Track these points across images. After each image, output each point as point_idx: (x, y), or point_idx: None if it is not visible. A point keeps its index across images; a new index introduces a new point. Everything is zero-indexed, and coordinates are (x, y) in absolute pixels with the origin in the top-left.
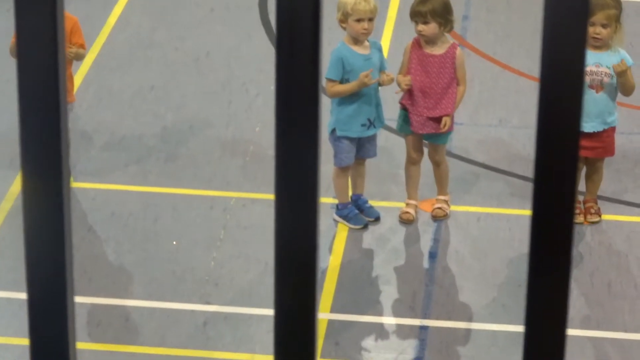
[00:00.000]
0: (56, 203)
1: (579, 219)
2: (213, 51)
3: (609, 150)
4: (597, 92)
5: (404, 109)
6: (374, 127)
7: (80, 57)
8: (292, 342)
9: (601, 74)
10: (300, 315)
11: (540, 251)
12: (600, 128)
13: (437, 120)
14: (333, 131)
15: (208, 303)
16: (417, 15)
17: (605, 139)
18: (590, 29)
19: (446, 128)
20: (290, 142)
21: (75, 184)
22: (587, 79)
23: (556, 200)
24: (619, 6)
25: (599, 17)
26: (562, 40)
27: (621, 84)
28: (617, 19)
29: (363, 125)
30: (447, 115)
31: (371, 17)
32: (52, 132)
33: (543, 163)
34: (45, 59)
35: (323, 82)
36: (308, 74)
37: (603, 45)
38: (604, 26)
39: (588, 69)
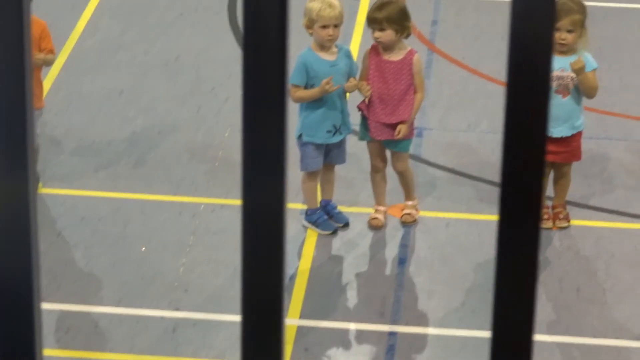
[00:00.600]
0: (22, 208)
1: (548, 224)
2: (182, 55)
3: (576, 154)
4: (563, 96)
5: (363, 115)
6: (340, 133)
7: (49, 63)
8: (260, 348)
9: (567, 78)
10: (268, 321)
11: (506, 256)
12: (568, 133)
13: (395, 126)
14: (300, 136)
15: (177, 309)
16: (373, 22)
17: (572, 143)
18: (556, 35)
19: (400, 135)
20: (257, 146)
21: (44, 189)
22: (554, 84)
23: (523, 205)
24: (583, 11)
25: (564, 22)
26: (528, 44)
27: (580, 82)
28: (581, 24)
29: (329, 131)
30: (403, 122)
31: (337, 24)
32: (18, 137)
33: (510, 168)
34: (12, 64)
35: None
36: (275, 78)
37: (569, 50)
38: (569, 31)
39: (554, 73)
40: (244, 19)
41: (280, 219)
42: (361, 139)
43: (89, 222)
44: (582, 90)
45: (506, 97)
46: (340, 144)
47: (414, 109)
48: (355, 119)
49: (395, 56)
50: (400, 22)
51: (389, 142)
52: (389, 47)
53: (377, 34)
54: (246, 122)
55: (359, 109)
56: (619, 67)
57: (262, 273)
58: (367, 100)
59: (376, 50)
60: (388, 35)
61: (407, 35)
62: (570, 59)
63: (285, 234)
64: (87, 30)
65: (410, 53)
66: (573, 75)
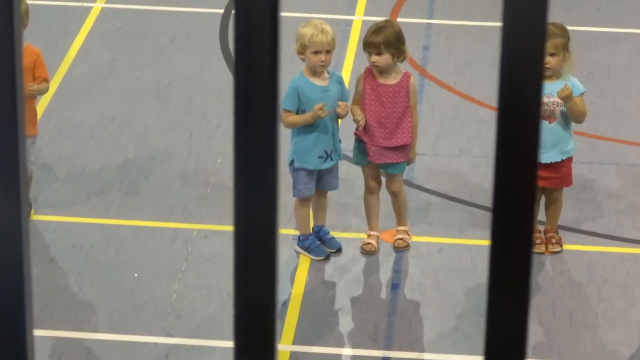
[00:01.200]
0: (15, 235)
1: (541, 248)
2: (174, 81)
3: (566, 180)
4: (550, 122)
5: (359, 139)
6: (331, 159)
7: (43, 92)
8: None
9: (552, 104)
10: (261, 347)
11: (498, 281)
12: (558, 158)
13: (394, 149)
14: (292, 162)
15: (170, 335)
16: (370, 46)
17: (561, 169)
18: None
19: (412, 159)
20: (248, 171)
21: (36, 217)
22: None
23: (514, 230)
24: (565, 34)
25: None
26: (519, 70)
27: (568, 109)
28: (564, 48)
29: (320, 157)
30: (405, 144)
31: (329, 49)
32: (10, 165)
33: (501, 193)
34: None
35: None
36: (266, 103)
37: (552, 74)
38: (551, 55)
39: None
40: (235, 45)
41: (272, 243)
42: (356, 163)
43: (81, 249)
44: (570, 116)
45: (497, 123)
46: (333, 170)
47: (413, 131)
48: (347, 144)
49: (392, 80)
50: (397, 46)
51: (386, 165)
52: (385, 71)
53: (374, 58)
54: (237, 147)
55: (356, 135)
56: (610, 92)
57: (255, 298)
58: (360, 127)
59: (371, 74)
60: (385, 59)
61: (403, 59)
62: (556, 84)
63: (277, 259)
64: (78, 57)
65: (406, 76)
66: (558, 100)
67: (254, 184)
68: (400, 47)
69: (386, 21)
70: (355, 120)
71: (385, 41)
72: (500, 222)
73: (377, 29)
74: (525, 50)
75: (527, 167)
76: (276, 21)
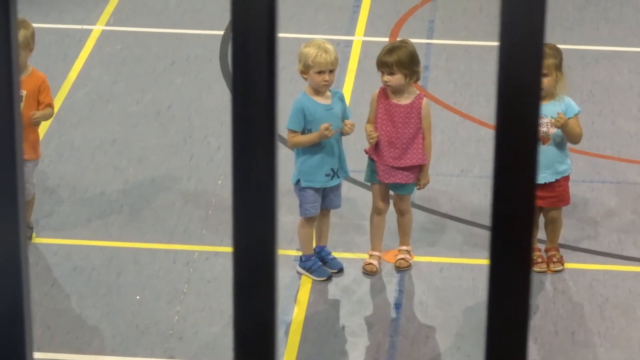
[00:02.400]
0: (14, 259)
1: (542, 267)
2: (174, 104)
3: (564, 199)
4: (543, 143)
5: (370, 158)
6: (338, 177)
7: (47, 118)
8: None
9: (546, 125)
10: None
11: (497, 300)
12: (552, 179)
13: (403, 170)
14: (298, 182)
15: (172, 357)
16: (383, 66)
17: (557, 188)
18: None
19: (421, 186)
20: (247, 194)
21: (38, 239)
22: None
23: (513, 249)
24: (558, 55)
25: None
26: (516, 90)
27: (564, 132)
28: (557, 68)
29: (327, 175)
30: (414, 165)
31: (332, 69)
32: (8, 188)
33: (499, 212)
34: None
35: (282, 132)
36: (264, 125)
37: (546, 95)
38: (544, 75)
39: None
40: (233, 67)
41: (272, 263)
42: (368, 180)
43: (83, 272)
44: (566, 138)
45: (495, 142)
46: (337, 189)
47: (426, 153)
48: (351, 164)
49: (405, 100)
50: (410, 66)
51: (395, 185)
52: (398, 91)
53: (387, 77)
54: (236, 169)
55: (366, 152)
56: (610, 111)
57: (254, 318)
58: (372, 143)
59: (384, 93)
60: (397, 79)
61: (417, 80)
62: (549, 105)
63: (277, 279)
64: (78, 81)
65: (419, 97)
66: (552, 120)
67: (252, 205)
68: (414, 68)
69: (401, 41)
70: (369, 137)
71: (398, 61)
72: (498, 241)
73: (391, 48)
74: (523, 70)
75: (525, 187)
76: (274, 42)
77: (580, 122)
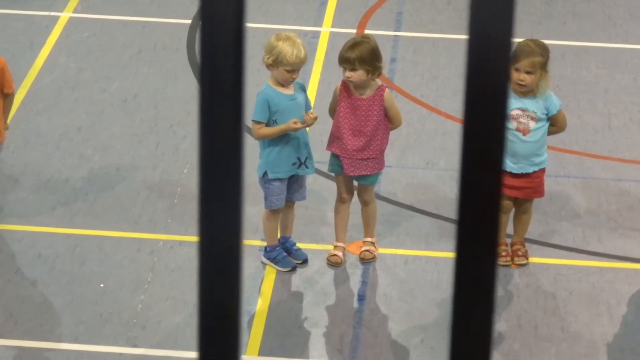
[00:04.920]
0: None
1: (507, 261)
2: (140, 92)
3: (539, 191)
4: (524, 134)
5: (335, 155)
6: (306, 166)
7: (8, 105)
8: None
9: (527, 117)
10: (224, 358)
11: (463, 293)
12: (530, 170)
13: (367, 160)
14: (264, 174)
15: (135, 346)
16: (345, 62)
17: (534, 179)
18: (515, 75)
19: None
20: (214, 182)
21: (2, 226)
22: (514, 123)
23: (479, 242)
24: (545, 54)
25: (523, 63)
26: (484, 83)
27: (557, 130)
28: (542, 67)
29: (294, 164)
30: (377, 157)
31: (301, 67)
32: None
33: (466, 204)
34: None
35: (247, 123)
36: (231, 115)
37: (528, 91)
38: (528, 73)
39: (514, 112)
40: (201, 57)
41: (237, 253)
42: (331, 170)
43: (47, 259)
44: (559, 130)
45: (462, 135)
46: (302, 180)
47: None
48: (323, 154)
49: (367, 93)
50: (372, 62)
51: (359, 176)
52: (360, 86)
53: (349, 73)
54: (203, 158)
55: (331, 150)
56: (577, 106)
57: (219, 308)
58: (334, 140)
59: (346, 87)
60: (359, 75)
61: (378, 75)
62: (530, 99)
63: (242, 269)
64: (45, 68)
65: (381, 89)
66: (532, 114)
67: (218, 195)
68: (375, 64)
69: (362, 37)
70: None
71: (359, 57)
72: (464, 234)
73: (353, 44)
74: (491, 64)
75: (491, 180)
76: (242, 33)
77: (564, 113)
